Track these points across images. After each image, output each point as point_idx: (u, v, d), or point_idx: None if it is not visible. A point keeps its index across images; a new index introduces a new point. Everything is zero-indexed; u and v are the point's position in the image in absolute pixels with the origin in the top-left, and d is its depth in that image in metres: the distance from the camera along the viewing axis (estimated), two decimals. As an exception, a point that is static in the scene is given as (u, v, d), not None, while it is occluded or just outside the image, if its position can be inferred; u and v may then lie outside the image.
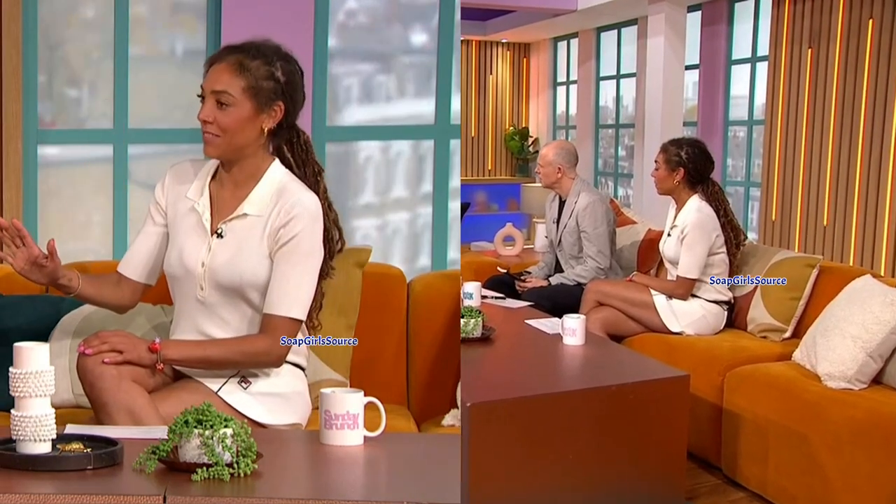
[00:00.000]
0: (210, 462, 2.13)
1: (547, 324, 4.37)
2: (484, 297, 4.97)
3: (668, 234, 5.02)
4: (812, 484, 3.73)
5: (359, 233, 5.01)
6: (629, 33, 10.06)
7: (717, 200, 4.96)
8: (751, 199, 8.42)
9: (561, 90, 11.80)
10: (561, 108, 11.83)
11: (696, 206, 4.90)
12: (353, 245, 3.53)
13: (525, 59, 12.24)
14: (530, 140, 12.00)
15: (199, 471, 2.10)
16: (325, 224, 2.96)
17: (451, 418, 3.32)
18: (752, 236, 8.07)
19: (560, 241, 5.75)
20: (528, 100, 12.29)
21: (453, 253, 5.21)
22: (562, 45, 11.69)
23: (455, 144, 5.10)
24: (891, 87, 6.35)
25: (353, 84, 5.03)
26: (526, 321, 4.45)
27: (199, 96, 2.86)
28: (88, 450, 2.21)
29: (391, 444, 2.52)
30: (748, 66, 8.32)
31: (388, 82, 5.07)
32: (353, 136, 5.02)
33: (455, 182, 5.22)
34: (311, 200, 2.89)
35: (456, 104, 5.08)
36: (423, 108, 5.07)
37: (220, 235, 2.90)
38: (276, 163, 2.95)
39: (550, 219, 5.90)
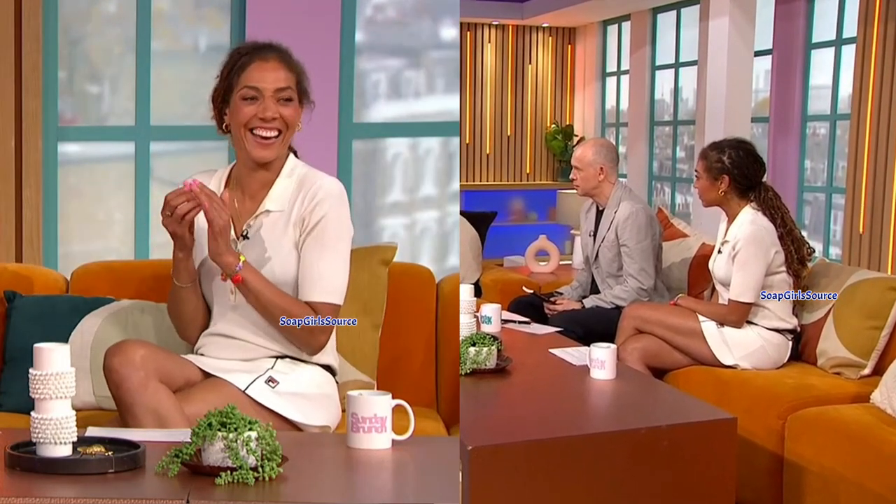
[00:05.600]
0: (234, 466, 2.14)
1: (574, 353, 3.98)
2: (507, 321, 4.61)
3: (719, 251, 4.50)
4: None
5: (386, 231, 5.00)
6: (690, 14, 9.03)
7: (772, 209, 4.40)
8: (833, 207, 7.44)
9: (611, 81, 10.74)
10: (611, 102, 10.79)
11: (749, 217, 4.38)
12: (378, 243, 3.54)
13: (569, 46, 11.20)
14: (575, 140, 10.81)
15: (223, 474, 2.11)
16: None
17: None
18: (835, 252, 7.38)
19: (597, 256, 5.27)
20: (573, 93, 11.26)
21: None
22: (612, 30, 10.62)
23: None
24: None
25: (380, 80, 5.03)
26: (550, 350, 4.06)
27: (248, 98, 2.88)
28: (110, 453, 2.23)
29: (420, 447, 2.52)
30: (831, 50, 7.31)
31: (416, 78, 5.06)
32: (381, 132, 5.02)
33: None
34: (333, 184, 2.97)
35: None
36: (453, 104, 5.05)
37: (245, 237, 2.93)
38: (292, 156, 3.01)
39: (587, 231, 5.42)
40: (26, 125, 4.81)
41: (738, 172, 4.43)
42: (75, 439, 2.22)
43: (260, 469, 2.14)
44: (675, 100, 9.49)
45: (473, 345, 3.61)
